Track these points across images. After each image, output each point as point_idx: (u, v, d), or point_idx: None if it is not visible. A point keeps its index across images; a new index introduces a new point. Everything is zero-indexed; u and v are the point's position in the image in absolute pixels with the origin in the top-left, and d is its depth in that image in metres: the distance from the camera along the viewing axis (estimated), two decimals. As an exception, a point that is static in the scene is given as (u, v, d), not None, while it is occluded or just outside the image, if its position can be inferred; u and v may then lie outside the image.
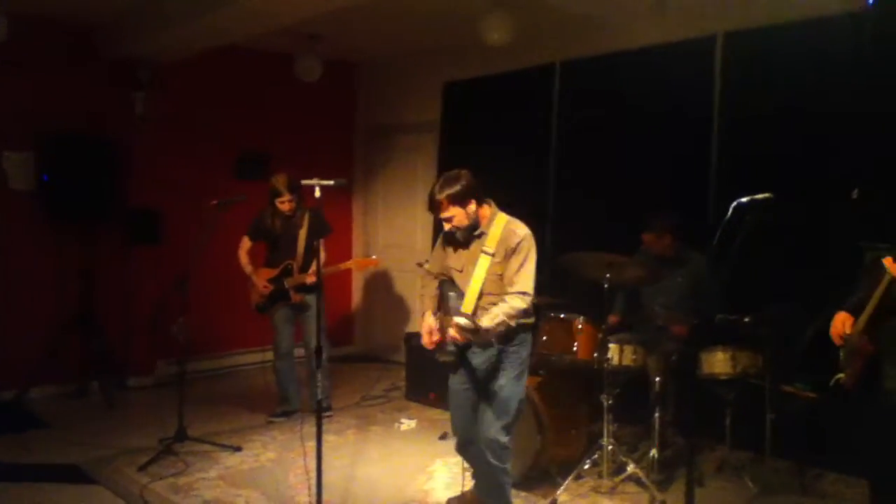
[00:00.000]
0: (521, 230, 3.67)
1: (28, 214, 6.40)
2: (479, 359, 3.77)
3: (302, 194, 5.56)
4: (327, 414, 5.85)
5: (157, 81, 6.86)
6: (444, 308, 3.84)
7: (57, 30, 6.51)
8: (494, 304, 3.61)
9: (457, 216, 3.62)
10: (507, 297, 3.59)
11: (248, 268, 5.77)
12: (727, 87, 5.35)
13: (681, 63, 5.53)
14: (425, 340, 3.80)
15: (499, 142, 6.70)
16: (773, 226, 3.62)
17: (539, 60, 6.50)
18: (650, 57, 5.70)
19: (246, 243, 5.80)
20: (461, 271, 3.77)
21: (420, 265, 4.69)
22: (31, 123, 6.36)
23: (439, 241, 3.95)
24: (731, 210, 3.13)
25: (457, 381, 3.88)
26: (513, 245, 3.62)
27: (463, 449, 4.02)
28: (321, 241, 5.55)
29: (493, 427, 3.70)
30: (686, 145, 5.52)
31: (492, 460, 3.71)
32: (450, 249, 3.84)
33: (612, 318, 4.96)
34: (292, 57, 7.33)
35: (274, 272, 5.68)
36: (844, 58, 4.67)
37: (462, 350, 3.74)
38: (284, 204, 5.54)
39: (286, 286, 5.63)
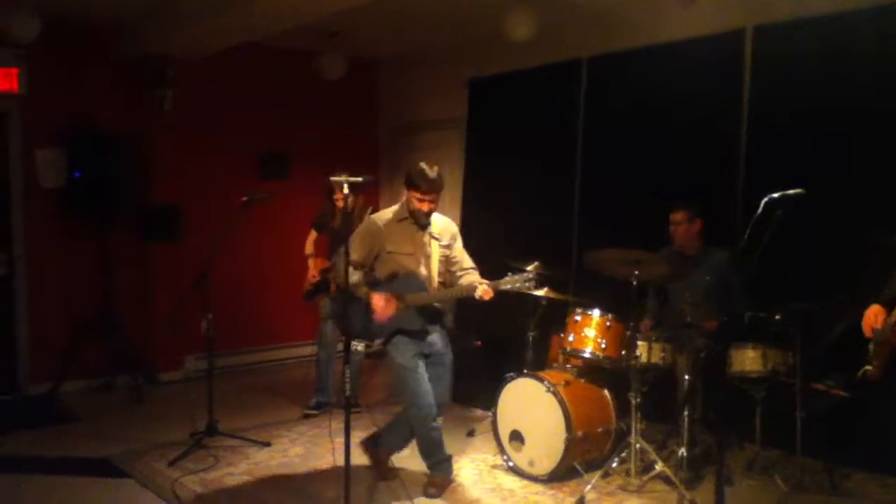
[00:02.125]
0: (452, 221, 4.48)
1: (57, 212, 6.51)
2: (435, 336, 4.31)
3: (356, 192, 5.68)
4: (355, 410, 5.88)
5: (178, 79, 6.90)
6: (402, 289, 4.19)
7: (80, 28, 6.59)
8: (442, 282, 4.31)
9: (436, 201, 4.22)
10: (469, 272, 4.36)
11: (310, 258, 5.99)
12: (756, 81, 5.28)
13: (709, 58, 5.47)
14: (389, 309, 4.13)
15: (525, 138, 6.68)
16: (800, 222, 3.59)
17: (566, 56, 6.46)
18: (678, 52, 5.65)
19: (312, 234, 6.06)
20: (412, 254, 4.26)
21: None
22: (58, 122, 6.47)
23: (368, 228, 4.34)
24: (761, 206, 3.09)
25: (419, 363, 4.25)
26: (454, 232, 4.42)
27: (434, 420, 4.31)
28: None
29: (447, 390, 4.41)
30: (714, 141, 5.46)
31: (440, 418, 4.31)
32: (394, 236, 4.26)
33: (646, 323, 4.92)
34: (314, 55, 7.34)
35: (327, 264, 5.85)
36: (880, 49, 4.61)
37: (424, 334, 4.25)
38: (339, 200, 5.70)
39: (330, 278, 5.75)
